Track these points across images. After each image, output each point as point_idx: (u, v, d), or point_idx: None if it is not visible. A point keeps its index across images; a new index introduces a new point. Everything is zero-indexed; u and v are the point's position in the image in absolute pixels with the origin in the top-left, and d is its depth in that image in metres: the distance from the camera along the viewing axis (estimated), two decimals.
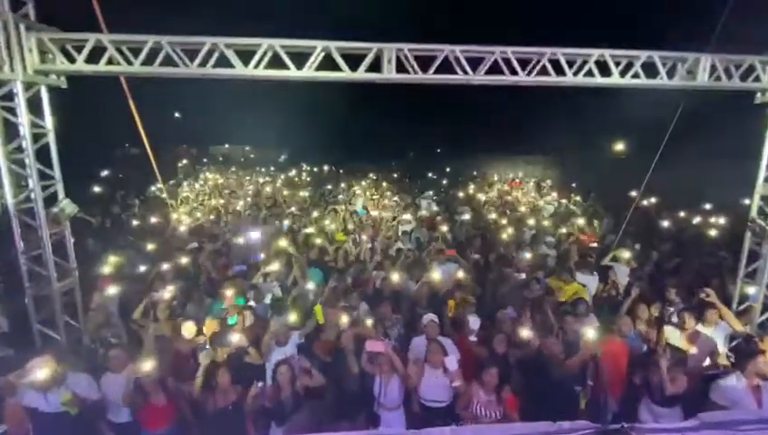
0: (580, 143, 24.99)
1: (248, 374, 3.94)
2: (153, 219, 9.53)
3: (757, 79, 4.58)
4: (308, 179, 20.31)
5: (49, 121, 4.16)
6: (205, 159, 32.62)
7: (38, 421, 3.45)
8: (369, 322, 4.39)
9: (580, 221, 10.18)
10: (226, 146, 41.63)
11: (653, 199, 12.95)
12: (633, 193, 9.57)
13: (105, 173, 18.52)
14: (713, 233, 9.30)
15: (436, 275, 5.61)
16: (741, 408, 3.38)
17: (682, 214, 11.15)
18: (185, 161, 25.83)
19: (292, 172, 22.24)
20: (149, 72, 3.95)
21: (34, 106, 4.09)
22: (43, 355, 3.43)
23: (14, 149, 4.00)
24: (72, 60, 3.92)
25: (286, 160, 33.50)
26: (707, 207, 12.06)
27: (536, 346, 4.19)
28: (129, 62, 3.93)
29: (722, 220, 9.62)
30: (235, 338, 4.02)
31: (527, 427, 2.42)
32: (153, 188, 15.87)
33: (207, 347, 4.25)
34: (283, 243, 6.89)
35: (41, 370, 3.26)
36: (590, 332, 4.10)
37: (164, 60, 3.94)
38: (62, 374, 3.54)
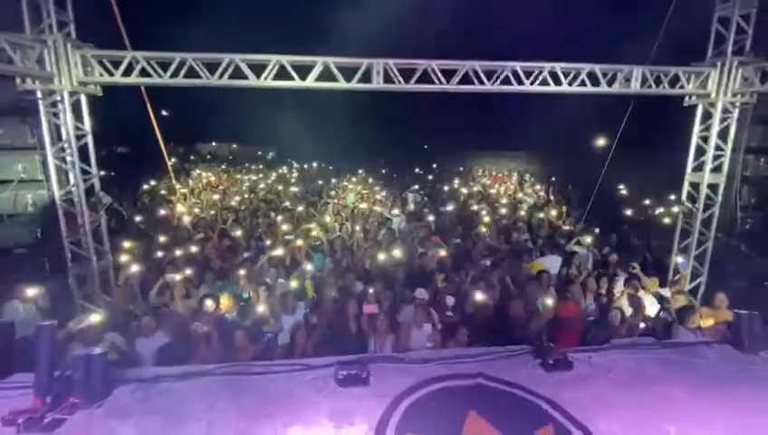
0: (561, 139, 26.14)
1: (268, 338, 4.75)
2: (159, 213, 10.17)
3: (682, 86, 5.54)
4: (297, 176, 20.98)
5: (88, 124, 4.86)
6: (192, 157, 32.85)
7: None
8: (371, 290, 5.22)
9: (553, 212, 11.19)
10: (213, 144, 41.71)
11: (624, 191, 14.13)
12: (606, 185, 10.54)
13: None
14: (667, 220, 10.42)
15: (397, 252, 6.50)
16: None
17: (646, 202, 12.24)
18: (173, 159, 26.08)
19: (283, 169, 22.85)
20: (176, 83, 4.68)
21: (74, 111, 4.78)
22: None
23: (60, 148, 4.69)
24: (109, 72, 4.63)
25: (274, 158, 33.94)
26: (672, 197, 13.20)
27: (490, 307, 5.03)
28: (159, 75, 4.65)
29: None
30: (261, 308, 4.81)
31: (479, 350, 3.28)
32: (146, 187, 16.42)
33: (228, 315, 5.04)
34: (285, 227, 7.73)
35: (92, 318, 3.99)
36: (548, 299, 5.02)
37: (188, 72, 4.68)
38: (102, 331, 4.29)
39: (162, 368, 3.10)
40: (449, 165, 26.37)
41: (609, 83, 5.34)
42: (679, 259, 6.01)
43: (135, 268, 5.68)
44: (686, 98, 5.83)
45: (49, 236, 5.01)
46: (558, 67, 5.15)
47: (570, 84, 5.25)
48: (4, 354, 4.58)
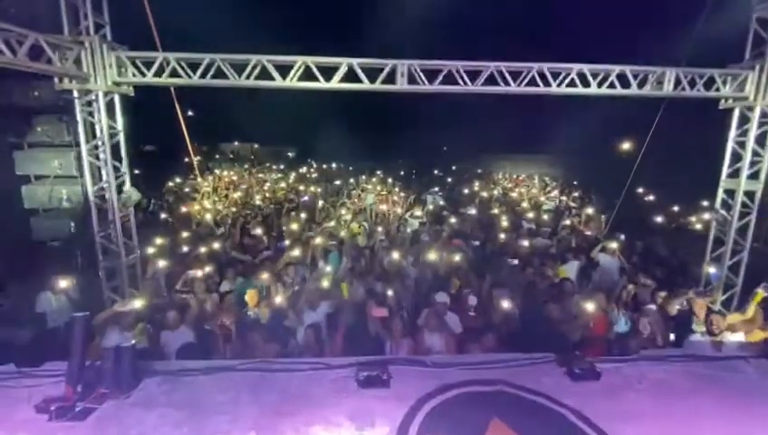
0: (585, 142, 25.51)
1: (284, 334, 4.78)
2: (182, 210, 10.44)
3: (718, 89, 5.32)
4: (315, 176, 21.20)
5: (120, 123, 5.02)
6: (216, 156, 33.62)
7: None
8: (390, 292, 5.19)
9: (590, 211, 10.94)
10: (236, 143, 42.52)
11: (651, 196, 13.70)
12: (634, 190, 10.21)
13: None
14: (698, 227, 10.05)
15: (433, 255, 6.42)
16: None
17: (669, 209, 11.84)
18: (197, 158, 26.65)
19: (303, 169, 23.12)
20: (205, 83, 4.78)
21: (108, 110, 4.95)
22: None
23: (94, 146, 4.86)
24: (142, 73, 4.77)
25: (294, 158, 34.37)
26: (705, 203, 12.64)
27: (516, 316, 4.93)
28: (189, 76, 4.76)
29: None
30: (278, 300, 4.85)
31: (502, 355, 3.22)
32: (171, 184, 16.89)
33: (250, 312, 5.11)
34: (295, 226, 7.83)
35: (135, 303, 4.12)
36: (589, 304, 4.84)
37: (216, 73, 4.78)
38: (139, 317, 4.42)
39: (187, 362, 3.16)
40: (468, 167, 26.11)
41: (640, 85, 5.17)
42: (711, 270, 5.77)
43: (162, 263, 5.83)
44: (722, 101, 5.60)
45: (81, 231, 5.19)
46: (586, 68, 5.02)
47: (599, 86, 5.11)
48: (37, 344, 4.81)
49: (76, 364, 2.71)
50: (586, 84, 5.12)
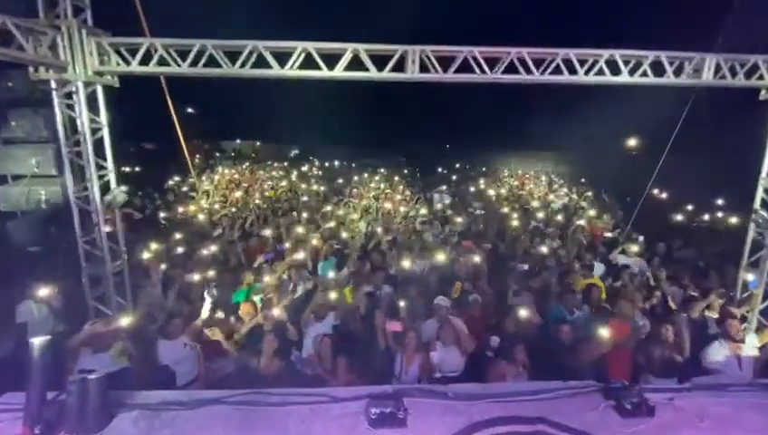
0: (592, 139, 24.87)
1: (287, 348, 4.35)
2: (179, 210, 10.01)
3: (761, 77, 4.82)
4: (319, 174, 20.72)
5: (104, 117, 4.58)
6: (218, 154, 33.17)
7: None
8: (402, 304, 4.73)
9: (591, 213, 10.45)
10: (237, 141, 42.08)
11: (664, 195, 13.16)
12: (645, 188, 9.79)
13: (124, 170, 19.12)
14: (721, 227, 9.55)
15: (441, 256, 5.96)
16: (726, 368, 3.74)
17: (690, 207, 11.34)
18: (198, 156, 26.28)
19: (305, 167, 22.65)
20: (195, 72, 4.33)
21: (90, 103, 4.51)
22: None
23: (74, 142, 4.43)
24: (126, 62, 4.33)
25: (297, 156, 33.88)
26: (720, 202, 12.12)
27: (536, 323, 4.48)
28: (177, 64, 4.32)
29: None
30: (276, 312, 4.41)
31: (536, 385, 2.77)
32: (171, 183, 16.44)
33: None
34: (302, 230, 7.37)
35: (122, 321, 3.69)
36: (604, 330, 4.35)
37: (208, 61, 4.33)
38: (118, 335, 3.97)
39: (169, 392, 2.73)
40: (473, 165, 25.60)
41: (677, 74, 4.68)
42: (749, 276, 5.29)
43: (163, 268, 5.42)
44: (763, 91, 5.10)
45: (63, 235, 4.77)
46: (618, 55, 4.55)
47: (630, 74, 4.63)
48: (21, 354, 4.37)
49: (35, 400, 2.28)
50: (616, 72, 4.64)
